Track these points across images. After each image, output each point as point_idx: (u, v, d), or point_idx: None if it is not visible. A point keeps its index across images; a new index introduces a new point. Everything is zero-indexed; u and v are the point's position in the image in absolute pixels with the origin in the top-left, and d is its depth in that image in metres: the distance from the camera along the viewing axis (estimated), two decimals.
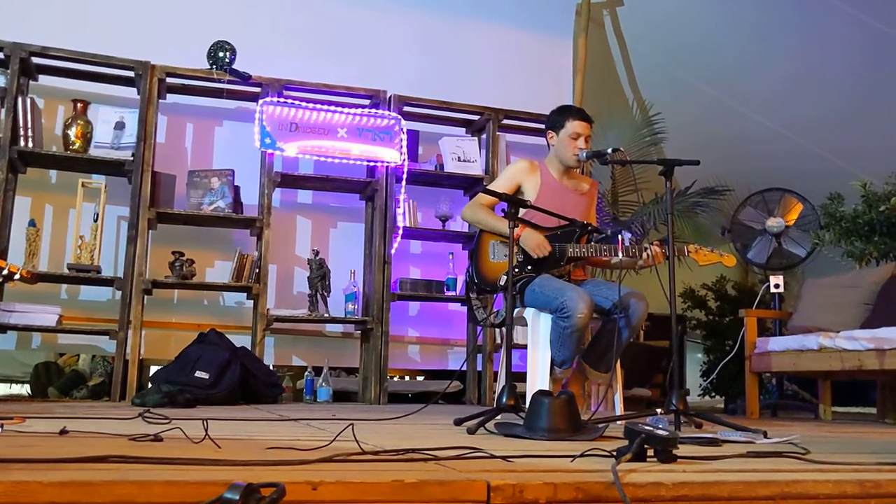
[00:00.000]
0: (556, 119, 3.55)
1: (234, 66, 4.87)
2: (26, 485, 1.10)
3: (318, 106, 5.04)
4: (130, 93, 4.90)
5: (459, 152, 5.37)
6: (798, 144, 6.11)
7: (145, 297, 4.65)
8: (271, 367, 5.06)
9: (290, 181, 5.13)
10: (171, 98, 5.07)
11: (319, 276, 4.94)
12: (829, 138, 5.96)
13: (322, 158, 5.06)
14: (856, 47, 5.36)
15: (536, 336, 3.36)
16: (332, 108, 5.06)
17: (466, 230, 5.22)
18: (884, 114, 5.58)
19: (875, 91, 5.54)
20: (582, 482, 1.32)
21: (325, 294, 4.95)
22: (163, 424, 2.32)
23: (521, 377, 3.36)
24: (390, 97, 5.26)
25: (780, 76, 5.84)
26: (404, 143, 5.14)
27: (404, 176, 5.15)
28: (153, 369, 5.03)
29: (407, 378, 6.64)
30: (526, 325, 3.45)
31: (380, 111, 5.18)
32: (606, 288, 3.38)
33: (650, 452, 1.65)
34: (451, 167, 5.32)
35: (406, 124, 5.21)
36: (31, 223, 4.54)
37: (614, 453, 1.63)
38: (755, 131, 6.25)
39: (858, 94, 5.62)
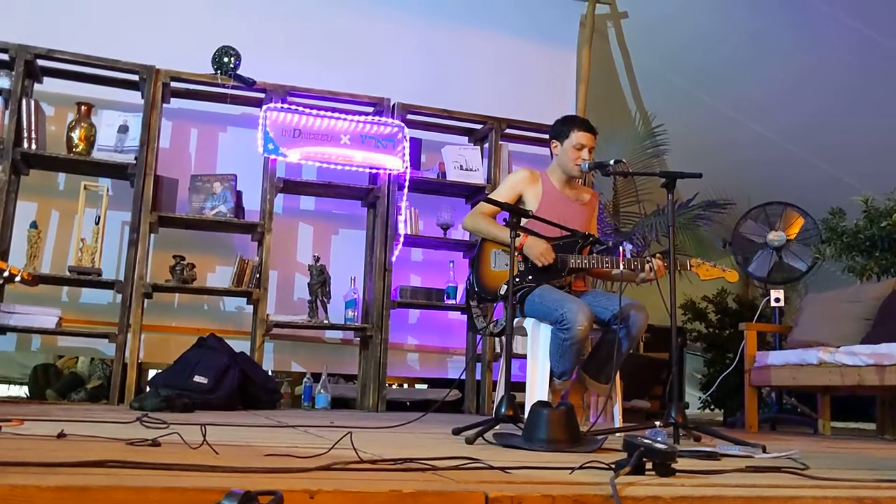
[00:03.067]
0: (561, 129, 3.55)
1: (239, 72, 4.88)
2: (23, 489, 1.10)
3: (322, 113, 5.05)
4: (135, 97, 4.91)
5: (462, 161, 5.38)
6: (800, 157, 6.12)
7: (145, 300, 4.65)
8: (270, 373, 5.06)
9: (293, 187, 5.13)
10: (176, 103, 5.08)
11: (320, 282, 4.94)
12: (830, 149, 5.98)
13: (325, 165, 5.07)
14: (850, 55, 5.38)
15: (536, 346, 3.36)
16: (336, 114, 5.07)
17: (467, 239, 5.22)
18: (879, 118, 5.60)
19: (875, 101, 5.56)
20: (580, 495, 1.32)
21: (325, 300, 4.95)
22: (161, 429, 2.31)
23: (521, 387, 3.35)
24: (394, 105, 5.27)
25: (781, 86, 5.86)
26: (407, 150, 5.15)
27: (406, 183, 5.15)
28: (152, 373, 5.03)
29: (406, 386, 6.64)
30: (526, 335, 3.45)
31: (383, 119, 5.19)
32: (606, 299, 3.37)
33: (649, 465, 1.65)
34: (453, 176, 5.32)
35: (409, 132, 5.22)
36: (33, 225, 4.55)
37: (613, 466, 1.63)
38: (757, 143, 6.27)
39: (859, 103, 5.63)
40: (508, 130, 5.52)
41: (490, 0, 5.95)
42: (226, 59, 4.86)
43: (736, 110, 6.22)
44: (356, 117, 5.12)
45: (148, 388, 4.24)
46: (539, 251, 3.33)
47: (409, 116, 5.32)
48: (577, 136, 3.49)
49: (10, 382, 5.99)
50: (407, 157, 5.14)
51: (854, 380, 4.06)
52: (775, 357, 4.62)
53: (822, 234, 5.25)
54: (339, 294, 5.06)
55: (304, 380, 5.12)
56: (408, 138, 5.18)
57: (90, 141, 4.65)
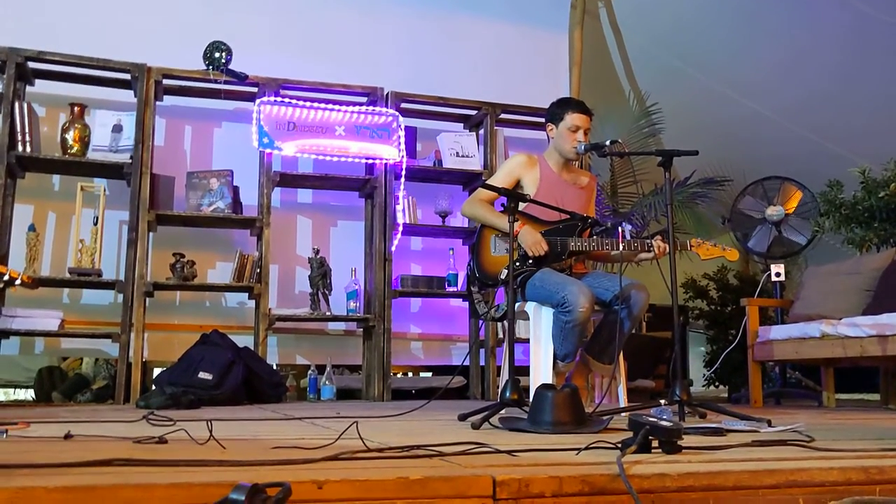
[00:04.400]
0: (556, 112, 3.55)
1: (231, 67, 4.86)
2: (30, 490, 1.10)
3: (316, 104, 5.03)
4: (127, 95, 4.89)
5: (458, 148, 5.36)
6: (795, 131, 6.11)
7: (147, 299, 4.65)
8: (274, 367, 5.06)
9: (290, 180, 5.12)
10: (169, 100, 5.07)
11: (320, 274, 4.94)
12: (825, 122, 5.97)
13: (321, 157, 5.05)
14: (844, 29, 5.36)
15: (539, 330, 3.36)
16: (330, 106, 5.05)
17: (466, 225, 5.22)
18: (873, 94, 5.59)
19: (867, 74, 5.54)
20: (587, 475, 1.32)
21: (327, 292, 4.95)
22: (167, 426, 2.32)
23: (525, 371, 3.36)
24: (387, 94, 5.25)
25: (775, 61, 5.84)
26: (402, 139, 5.13)
27: (403, 172, 5.14)
28: (157, 371, 5.04)
29: (410, 374, 6.65)
30: (528, 319, 3.45)
31: (377, 108, 5.17)
32: (607, 280, 3.38)
33: (655, 444, 1.65)
34: (449, 163, 5.31)
35: (404, 121, 5.20)
36: (31, 228, 4.54)
37: (619, 445, 1.63)
38: (753, 119, 6.26)
39: (852, 77, 5.62)
40: (503, 115, 5.50)
41: None
42: (217, 55, 4.84)
43: (731, 88, 6.20)
44: (350, 108, 5.10)
45: (153, 387, 4.24)
46: (532, 241, 3.33)
47: (404, 105, 5.30)
48: (572, 119, 3.48)
49: (15, 386, 5.99)
50: (402, 146, 5.13)
51: (856, 351, 4.07)
52: (778, 332, 4.63)
53: (820, 206, 5.25)
54: (340, 286, 5.06)
55: (309, 372, 5.13)
56: (402, 127, 5.17)
57: (84, 142, 4.64)
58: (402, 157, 5.12)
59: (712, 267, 6.52)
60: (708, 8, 5.83)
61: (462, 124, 5.70)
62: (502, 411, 2.65)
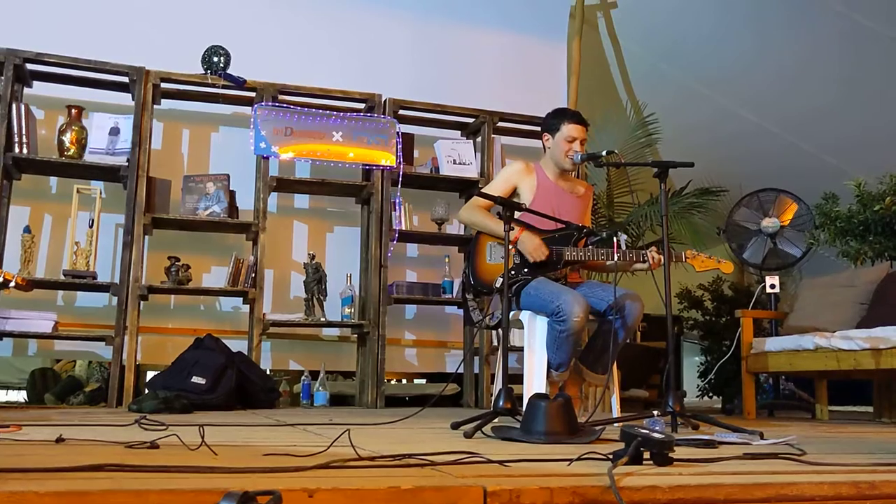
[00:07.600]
0: (552, 122, 3.56)
1: (229, 71, 4.87)
2: (22, 496, 1.10)
3: (313, 110, 5.04)
4: (125, 98, 4.89)
5: (455, 155, 5.37)
6: (791, 143, 6.14)
7: (141, 302, 4.64)
8: (268, 372, 5.06)
9: (286, 185, 5.12)
10: (167, 103, 5.06)
11: (315, 280, 4.93)
12: (820, 134, 6.00)
13: (318, 162, 5.06)
14: (844, 43, 5.39)
15: (533, 339, 3.37)
16: (327, 112, 5.06)
17: (462, 233, 5.22)
18: (871, 107, 5.61)
19: (863, 86, 5.57)
20: (578, 486, 1.33)
21: (322, 298, 4.95)
22: (159, 431, 2.32)
23: (518, 380, 3.36)
24: (385, 101, 5.26)
25: (772, 73, 5.87)
26: (399, 146, 5.14)
27: (400, 179, 5.14)
28: (150, 375, 5.03)
29: (404, 381, 6.64)
30: (522, 327, 3.45)
31: (375, 115, 5.18)
32: (601, 289, 3.38)
33: (646, 455, 1.65)
34: (446, 170, 5.32)
35: (401, 127, 5.21)
36: (27, 230, 4.54)
37: (611, 456, 1.63)
38: (749, 130, 6.29)
39: (847, 89, 5.65)
40: (501, 124, 5.51)
41: None
42: (215, 59, 4.85)
43: (732, 100, 6.23)
44: (348, 114, 5.10)
45: (146, 390, 4.23)
46: (532, 246, 3.33)
47: (401, 112, 5.31)
48: (569, 129, 3.49)
49: (7, 388, 5.98)
50: (400, 153, 5.13)
51: (850, 364, 4.08)
52: (772, 343, 4.64)
53: (815, 219, 5.26)
54: (335, 291, 5.06)
55: (303, 378, 5.12)
56: (400, 133, 5.17)
57: (81, 144, 4.63)
58: (400, 163, 5.13)
59: (707, 278, 6.53)
60: (712, 23, 5.86)
61: (459, 132, 5.70)
62: (495, 420, 2.65)
